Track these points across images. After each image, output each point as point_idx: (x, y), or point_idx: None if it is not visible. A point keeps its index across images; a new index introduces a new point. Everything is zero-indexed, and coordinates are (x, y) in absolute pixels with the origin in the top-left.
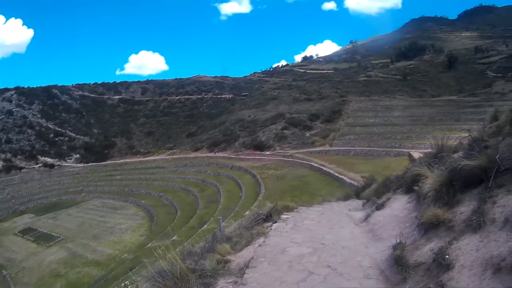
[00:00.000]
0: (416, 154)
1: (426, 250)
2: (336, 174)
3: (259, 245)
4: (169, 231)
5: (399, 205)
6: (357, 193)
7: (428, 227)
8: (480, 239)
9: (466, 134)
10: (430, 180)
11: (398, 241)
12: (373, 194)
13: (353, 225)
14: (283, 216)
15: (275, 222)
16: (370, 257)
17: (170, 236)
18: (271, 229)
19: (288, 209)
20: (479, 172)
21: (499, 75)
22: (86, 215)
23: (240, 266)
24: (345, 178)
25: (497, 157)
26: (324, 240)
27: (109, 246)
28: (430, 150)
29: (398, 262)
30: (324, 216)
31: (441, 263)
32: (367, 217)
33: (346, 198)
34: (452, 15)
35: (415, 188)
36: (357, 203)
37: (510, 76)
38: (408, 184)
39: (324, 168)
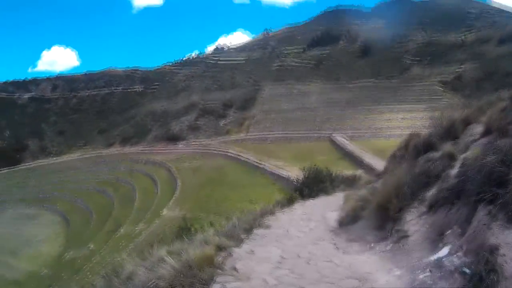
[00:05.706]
0: (338, 137)
1: None
2: (256, 162)
3: None
4: (85, 238)
5: None
6: (298, 190)
7: None
8: None
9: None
10: None
11: None
12: (372, 209)
13: None
14: None
15: None
16: None
17: (87, 244)
18: None
19: (214, 263)
20: None
21: (417, 58)
22: (1, 228)
23: None
24: (266, 167)
25: None
26: None
27: (28, 261)
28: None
29: None
30: None
31: None
32: None
33: (289, 201)
34: (368, 7)
35: None
36: (315, 211)
37: (428, 60)
38: None
39: (242, 157)
